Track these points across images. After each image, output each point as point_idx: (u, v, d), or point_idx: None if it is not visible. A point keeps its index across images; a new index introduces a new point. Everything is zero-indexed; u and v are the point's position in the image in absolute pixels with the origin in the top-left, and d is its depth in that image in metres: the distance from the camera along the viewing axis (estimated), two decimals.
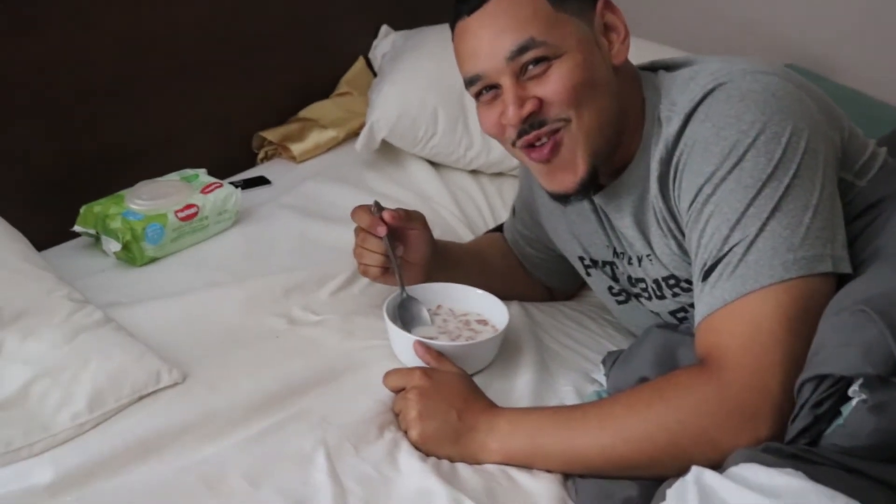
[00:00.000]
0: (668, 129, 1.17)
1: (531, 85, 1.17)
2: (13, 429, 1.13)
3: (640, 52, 2.26)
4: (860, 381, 0.94)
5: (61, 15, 1.68)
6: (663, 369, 1.17)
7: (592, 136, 1.19)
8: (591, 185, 1.24)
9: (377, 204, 1.40)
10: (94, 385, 1.20)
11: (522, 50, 1.16)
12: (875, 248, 1.10)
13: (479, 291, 1.42)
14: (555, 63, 1.17)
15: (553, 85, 1.17)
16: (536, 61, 1.16)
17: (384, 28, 2.32)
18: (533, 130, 1.18)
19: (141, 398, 1.23)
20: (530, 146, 1.20)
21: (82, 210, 1.63)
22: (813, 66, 2.34)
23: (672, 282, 1.26)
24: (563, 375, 1.35)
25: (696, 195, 1.12)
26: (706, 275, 1.10)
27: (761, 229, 1.07)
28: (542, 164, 1.21)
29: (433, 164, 2.04)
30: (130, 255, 1.59)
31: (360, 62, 2.30)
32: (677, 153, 1.16)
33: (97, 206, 1.62)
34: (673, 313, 1.30)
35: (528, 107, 1.17)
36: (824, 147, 1.12)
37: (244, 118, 2.08)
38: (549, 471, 1.14)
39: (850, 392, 0.95)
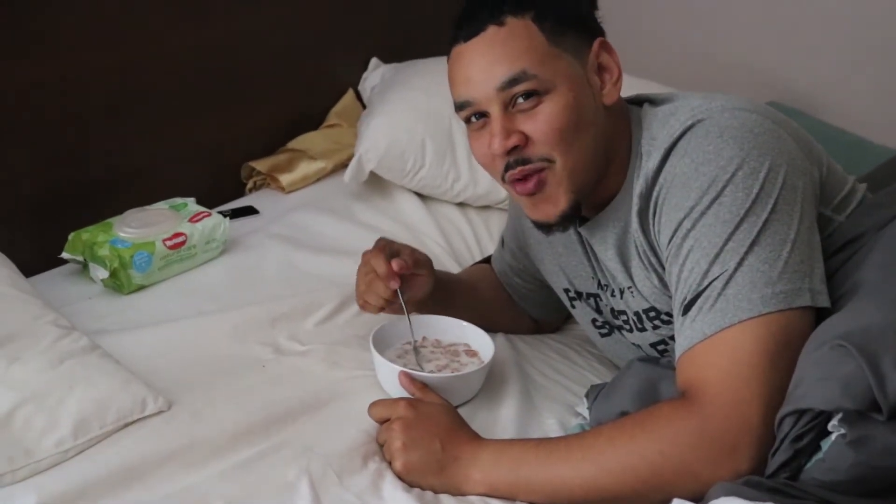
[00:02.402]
0: (648, 164, 1.19)
1: (519, 118, 1.18)
2: None
3: (625, 89, 2.29)
4: (839, 415, 0.95)
5: (52, 42, 1.69)
6: (644, 403, 1.18)
7: (575, 176, 1.20)
8: (573, 218, 1.25)
9: (386, 246, 1.38)
10: (80, 411, 1.20)
11: (514, 82, 1.17)
12: (854, 281, 1.11)
13: (465, 323, 1.43)
14: (545, 99, 1.17)
15: (540, 124, 1.18)
16: (527, 95, 1.17)
17: (374, 61, 2.34)
18: (518, 166, 1.20)
19: (126, 425, 1.23)
20: (516, 179, 1.22)
21: (70, 237, 1.64)
22: (797, 104, 2.37)
23: (653, 314, 1.27)
24: (547, 408, 1.36)
25: (676, 230, 1.13)
26: (686, 309, 1.11)
27: (740, 263, 1.08)
28: (527, 196, 1.23)
29: (421, 196, 2.05)
30: (118, 283, 1.59)
31: (350, 94, 2.31)
32: (657, 188, 1.18)
33: (85, 234, 1.63)
34: (654, 345, 1.31)
35: (514, 140, 1.18)
36: (802, 182, 1.14)
37: (233, 148, 2.09)
38: (532, 503, 1.14)
39: (830, 426, 0.96)
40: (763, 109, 1.20)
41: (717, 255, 1.09)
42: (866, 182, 1.33)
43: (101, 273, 1.59)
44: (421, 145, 2.00)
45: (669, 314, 1.22)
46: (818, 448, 0.98)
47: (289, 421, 1.27)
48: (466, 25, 1.20)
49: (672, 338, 1.21)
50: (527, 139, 1.18)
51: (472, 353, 1.41)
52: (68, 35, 1.71)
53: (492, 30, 1.19)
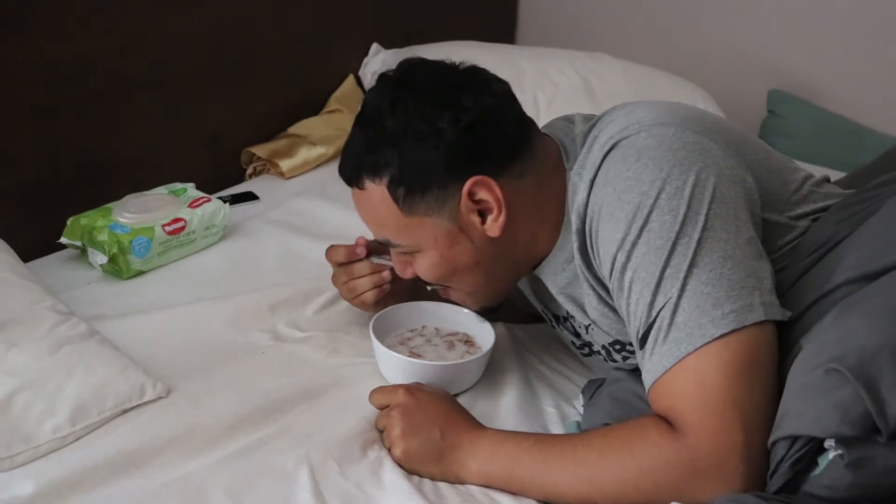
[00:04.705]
0: (578, 199, 1.16)
1: (408, 258, 1.26)
2: None
3: (628, 77, 2.28)
4: (833, 440, 0.94)
5: (50, 26, 1.68)
6: (624, 414, 1.18)
7: (475, 295, 1.31)
8: (492, 312, 1.37)
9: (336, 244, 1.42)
10: (78, 397, 1.20)
11: (384, 244, 1.26)
12: (834, 284, 1.06)
13: (466, 311, 1.42)
14: (417, 256, 1.24)
15: (420, 272, 1.25)
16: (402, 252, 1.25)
17: (374, 46, 2.33)
18: (428, 285, 1.30)
19: (124, 412, 1.22)
20: None
21: (69, 222, 1.63)
22: (798, 91, 2.36)
23: (618, 346, 1.25)
24: (547, 396, 1.35)
25: (613, 264, 1.11)
26: (642, 342, 1.09)
27: (682, 289, 1.05)
28: None
29: None
30: (117, 268, 1.58)
31: (350, 80, 2.31)
32: (587, 222, 1.15)
33: (84, 219, 1.62)
34: (631, 372, 1.28)
35: (409, 273, 1.28)
36: (734, 192, 1.09)
37: (233, 133, 2.09)
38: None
39: (826, 444, 0.95)
40: (685, 119, 1.15)
41: (658, 285, 1.06)
42: (857, 176, 1.31)
43: (99, 258, 1.58)
44: None
45: (633, 345, 1.19)
46: (815, 464, 0.97)
47: (288, 408, 1.27)
48: (341, 174, 1.25)
49: None
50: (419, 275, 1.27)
51: (471, 342, 1.40)
52: (69, 20, 1.70)
53: (356, 191, 1.23)
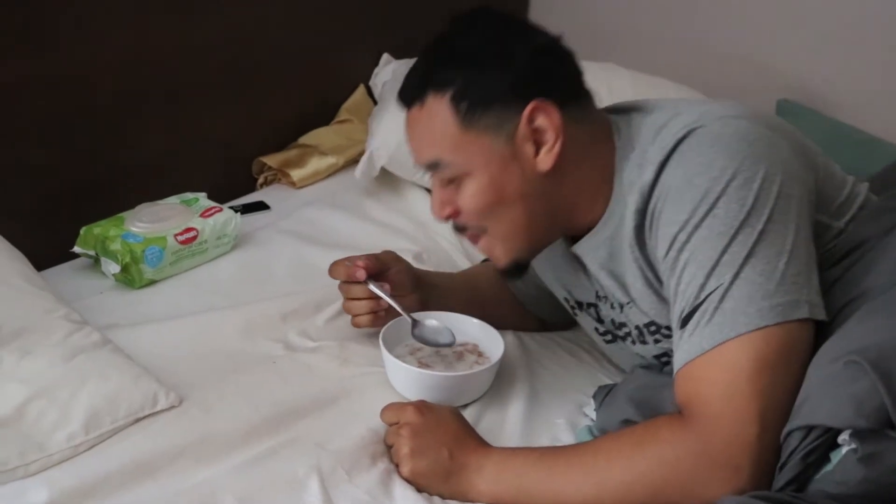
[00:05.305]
0: (643, 179, 1.17)
1: (451, 190, 1.24)
2: (9, 448, 1.14)
3: (637, 86, 2.28)
4: (850, 430, 0.94)
5: (65, 37, 1.69)
6: (645, 411, 1.18)
7: (509, 242, 1.26)
8: (520, 270, 1.30)
9: (341, 260, 1.43)
10: (91, 406, 1.21)
11: (432, 167, 1.24)
12: (862, 290, 1.10)
13: (475, 320, 1.43)
14: (465, 181, 1.22)
15: (464, 202, 1.23)
16: (448, 178, 1.23)
17: (385, 56, 2.34)
18: (459, 231, 1.30)
19: (137, 420, 1.23)
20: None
21: (82, 231, 1.64)
22: (809, 102, 2.36)
23: (653, 328, 1.26)
24: (556, 407, 1.36)
25: (672, 244, 1.12)
26: (684, 322, 1.10)
27: (736, 276, 1.07)
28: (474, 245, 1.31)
29: (431, 192, 2.04)
30: (129, 278, 1.60)
31: (361, 90, 2.31)
32: (652, 202, 1.16)
33: (97, 228, 1.63)
34: (657, 357, 1.30)
35: (447, 211, 1.25)
36: (798, 191, 1.12)
37: (245, 143, 2.10)
38: None
39: (840, 440, 0.95)
40: (757, 116, 1.18)
41: (713, 269, 1.08)
42: (875, 182, 1.32)
43: (112, 268, 1.59)
44: None
45: (670, 328, 1.21)
46: (827, 459, 0.97)
47: (299, 417, 1.28)
48: (400, 97, 1.26)
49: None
50: (458, 212, 1.25)
51: (481, 352, 1.41)
52: (80, 31, 1.72)
53: (415, 109, 1.23)
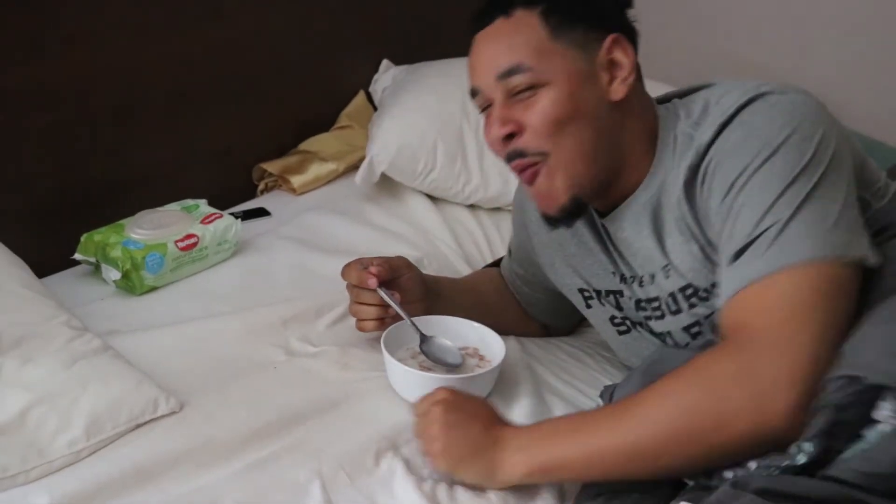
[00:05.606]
0: (700, 139, 1.18)
1: (518, 108, 1.21)
2: (10, 454, 1.14)
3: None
4: (890, 398, 0.92)
5: (65, 44, 1.70)
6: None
7: (570, 169, 1.21)
8: (577, 214, 1.26)
9: (356, 262, 1.42)
10: (92, 412, 1.21)
11: (510, 72, 1.20)
12: None
13: (476, 324, 1.43)
14: (540, 91, 1.20)
15: (535, 115, 1.20)
16: (525, 88, 1.20)
17: (385, 62, 2.34)
18: (516, 158, 1.23)
19: (138, 426, 1.23)
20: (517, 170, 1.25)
21: (83, 238, 1.65)
22: None
23: (689, 291, 1.24)
24: (558, 409, 1.35)
25: (729, 189, 1.13)
26: (736, 257, 1.09)
27: (794, 215, 1.07)
28: (528, 185, 1.25)
29: (432, 197, 2.05)
30: (130, 284, 1.60)
31: (361, 96, 2.32)
32: (707, 158, 1.17)
33: (98, 235, 1.64)
34: (686, 329, 1.28)
35: (509, 127, 1.21)
36: (848, 162, 1.14)
37: (245, 150, 2.10)
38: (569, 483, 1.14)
39: (877, 415, 0.93)
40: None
41: (770, 207, 1.08)
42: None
43: (113, 274, 1.59)
44: (432, 147, 2.00)
45: (707, 290, 1.21)
46: (859, 437, 0.93)
47: (300, 422, 1.28)
48: (481, 16, 1.25)
49: (707, 317, 1.22)
50: (522, 130, 1.21)
51: (482, 355, 1.41)
52: (80, 37, 1.72)
53: (499, 21, 1.23)
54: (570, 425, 1.12)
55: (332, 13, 2.18)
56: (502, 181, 1.99)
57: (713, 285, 1.19)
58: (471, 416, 1.15)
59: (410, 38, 2.38)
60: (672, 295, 1.27)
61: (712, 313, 1.22)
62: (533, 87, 1.20)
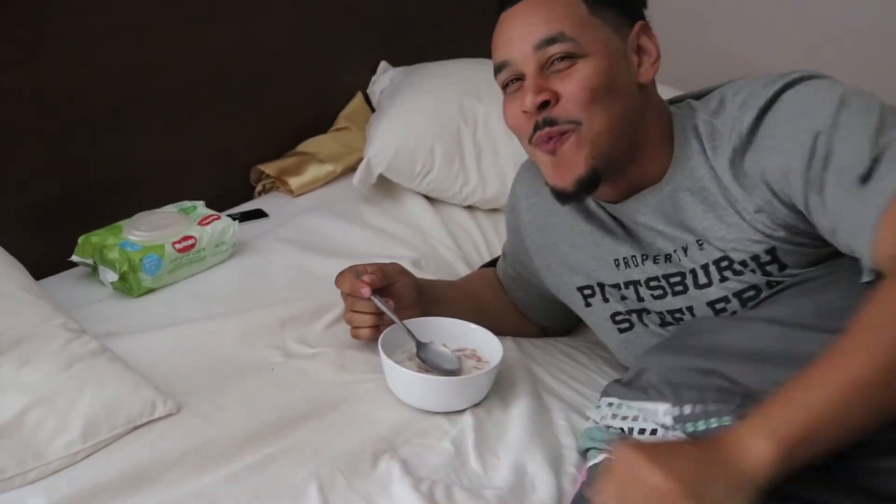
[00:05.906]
0: (742, 123, 1.18)
1: (553, 79, 1.21)
2: (7, 457, 1.14)
3: None
4: None
5: (61, 45, 1.70)
6: (716, 355, 1.12)
7: (599, 141, 1.21)
8: (589, 189, 1.25)
9: (350, 269, 1.41)
10: (89, 414, 1.21)
11: (551, 41, 1.21)
12: None
13: (473, 326, 1.43)
14: (579, 62, 1.21)
15: (573, 84, 1.20)
16: (562, 57, 1.21)
17: (383, 64, 2.34)
18: (546, 127, 1.22)
19: (135, 428, 1.23)
20: (542, 140, 1.24)
21: (80, 240, 1.64)
22: None
23: (724, 264, 1.22)
24: (557, 408, 1.35)
25: (813, 147, 1.10)
26: (864, 178, 1.05)
27: None
28: (549, 155, 1.24)
29: (429, 199, 2.05)
30: (127, 286, 1.60)
31: (359, 98, 2.32)
32: (755, 137, 1.17)
33: (95, 237, 1.63)
34: (712, 303, 1.25)
35: (544, 95, 1.21)
36: None
37: (243, 151, 2.10)
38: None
39: None
40: None
41: (875, 134, 1.07)
42: None
43: (110, 276, 1.59)
44: (430, 148, 2.00)
45: (743, 264, 1.20)
46: None
47: (297, 424, 1.27)
48: None
49: (736, 294, 1.22)
50: (557, 98, 1.21)
51: (479, 357, 1.41)
52: (78, 39, 1.72)
53: None
54: (793, 387, 0.94)
55: (330, 15, 2.18)
56: (500, 182, 1.99)
57: (752, 258, 1.19)
58: (671, 448, 0.96)
59: (408, 40, 2.38)
60: (704, 266, 1.25)
61: (745, 289, 1.22)
62: (572, 57, 1.21)
